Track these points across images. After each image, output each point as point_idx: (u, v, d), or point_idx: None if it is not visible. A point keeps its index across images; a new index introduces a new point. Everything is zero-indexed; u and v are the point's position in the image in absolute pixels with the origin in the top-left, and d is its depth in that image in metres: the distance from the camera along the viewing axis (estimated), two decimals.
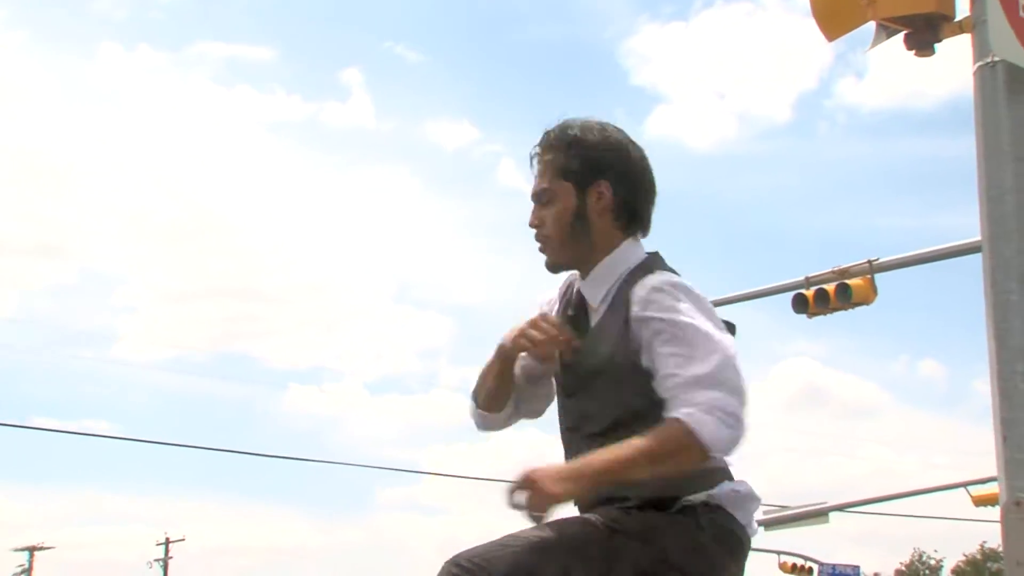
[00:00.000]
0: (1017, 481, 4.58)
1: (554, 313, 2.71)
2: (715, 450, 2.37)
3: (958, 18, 5.25)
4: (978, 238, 5.04)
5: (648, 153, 2.68)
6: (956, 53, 5.32)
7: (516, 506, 2.31)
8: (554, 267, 2.67)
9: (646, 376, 2.47)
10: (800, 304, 12.79)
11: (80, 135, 64.51)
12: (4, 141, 63.46)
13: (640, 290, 2.50)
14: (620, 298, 2.55)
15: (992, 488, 19.18)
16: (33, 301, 62.22)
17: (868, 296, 12.41)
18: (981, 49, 5.02)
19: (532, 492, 2.29)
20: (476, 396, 2.77)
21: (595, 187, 2.60)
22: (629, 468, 2.35)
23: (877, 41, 5.44)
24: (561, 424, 2.69)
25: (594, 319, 2.61)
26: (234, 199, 69.60)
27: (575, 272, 2.71)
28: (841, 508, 22.75)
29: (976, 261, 5.17)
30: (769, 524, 22.77)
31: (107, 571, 60.58)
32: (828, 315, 12.69)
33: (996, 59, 4.92)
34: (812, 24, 5.54)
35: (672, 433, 2.35)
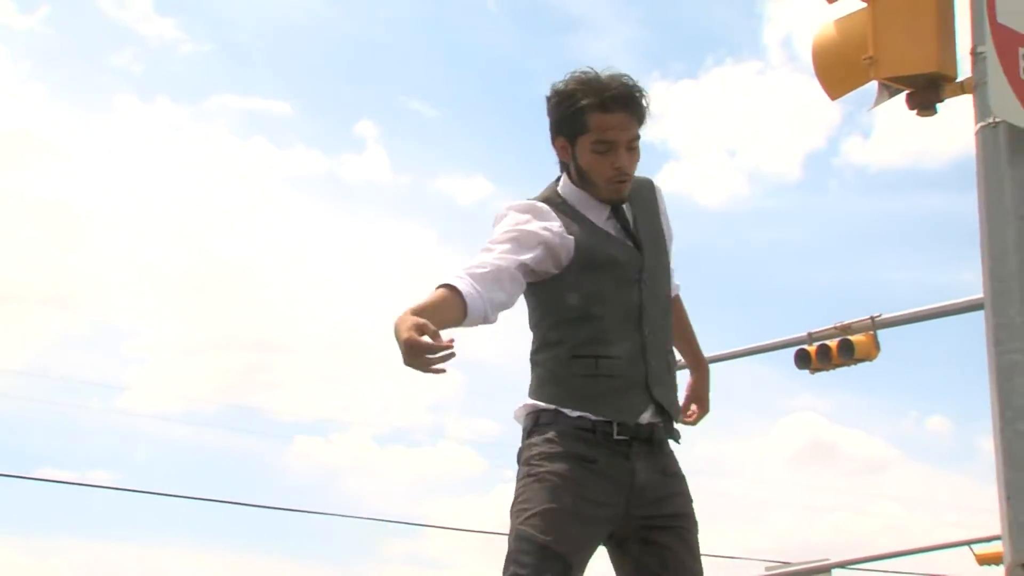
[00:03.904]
0: (1021, 544, 4.56)
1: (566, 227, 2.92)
2: None
3: (959, 79, 5.30)
4: (981, 295, 5.05)
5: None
6: (959, 113, 5.37)
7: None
8: (624, 200, 2.99)
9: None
10: (802, 360, 12.71)
11: (95, 187, 64.54)
12: (19, 192, 63.58)
13: (660, 195, 3.11)
14: (640, 200, 3.05)
15: (997, 547, 19.05)
16: (43, 352, 61.89)
17: (870, 352, 12.34)
18: (982, 110, 5.07)
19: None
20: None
21: None
22: None
23: (880, 100, 5.48)
24: (622, 305, 2.93)
25: (629, 215, 3.02)
26: (249, 252, 69.27)
27: (536, 202, 2.99)
28: (844, 565, 22.47)
29: (980, 318, 5.17)
30: None
31: None
32: (831, 371, 12.65)
33: (997, 120, 4.97)
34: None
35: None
